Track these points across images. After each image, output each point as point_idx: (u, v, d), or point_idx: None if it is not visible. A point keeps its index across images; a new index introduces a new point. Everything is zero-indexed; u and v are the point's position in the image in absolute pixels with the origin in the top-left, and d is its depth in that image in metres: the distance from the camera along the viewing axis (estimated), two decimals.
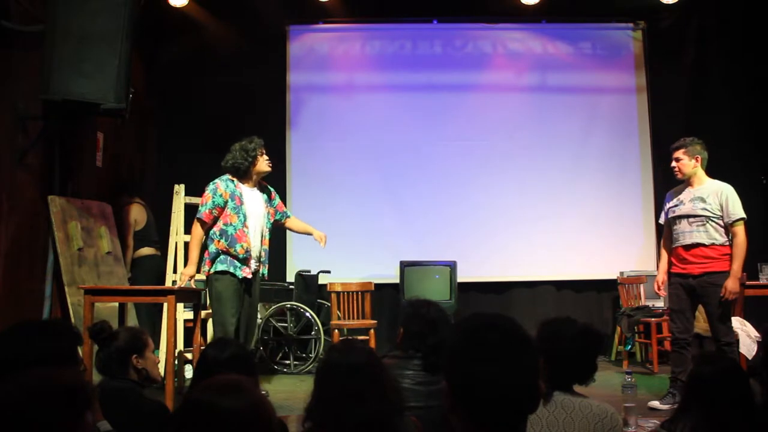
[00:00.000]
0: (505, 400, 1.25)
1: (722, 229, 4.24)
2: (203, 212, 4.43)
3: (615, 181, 6.92)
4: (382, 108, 6.93)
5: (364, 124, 6.92)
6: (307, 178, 6.86)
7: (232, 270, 4.39)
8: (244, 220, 4.46)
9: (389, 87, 7.00)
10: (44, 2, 4.35)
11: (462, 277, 6.34)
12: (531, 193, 6.83)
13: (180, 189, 5.55)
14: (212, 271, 4.41)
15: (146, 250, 5.81)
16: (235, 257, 4.40)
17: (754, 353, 4.55)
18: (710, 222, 4.24)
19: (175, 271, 5.40)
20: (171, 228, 5.52)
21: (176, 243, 5.45)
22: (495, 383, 1.24)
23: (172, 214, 5.53)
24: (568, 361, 2.05)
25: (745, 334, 4.80)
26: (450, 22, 7.08)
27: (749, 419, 2.05)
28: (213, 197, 4.43)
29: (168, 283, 5.35)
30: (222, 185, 4.46)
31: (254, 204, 4.55)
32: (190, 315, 5.22)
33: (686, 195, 4.37)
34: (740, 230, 4.20)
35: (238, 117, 6.75)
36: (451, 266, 6.26)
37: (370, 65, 7.07)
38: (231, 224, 4.43)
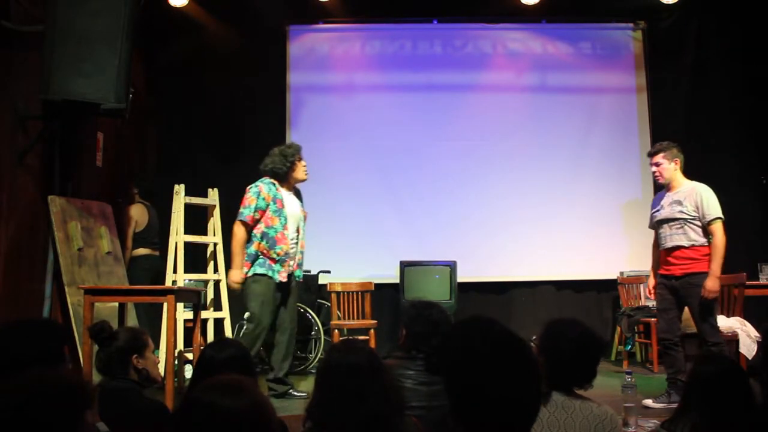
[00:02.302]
0: (501, 414, 1.26)
1: (701, 230, 4.26)
2: (247, 215, 4.45)
3: (615, 181, 6.92)
4: (382, 108, 6.93)
5: (364, 124, 6.91)
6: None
7: (270, 273, 4.42)
8: (285, 223, 4.49)
9: (389, 87, 6.99)
10: (44, 2, 4.35)
11: (462, 277, 6.33)
12: (531, 193, 6.82)
13: (180, 189, 5.54)
14: (251, 273, 4.42)
15: (142, 251, 5.82)
16: (274, 260, 4.43)
17: (754, 353, 4.56)
18: (688, 224, 4.27)
19: (174, 271, 5.39)
20: (171, 228, 5.51)
21: (176, 243, 5.44)
22: (491, 398, 1.26)
23: (173, 214, 5.52)
24: (566, 363, 2.05)
25: (745, 334, 4.80)
26: (450, 22, 7.08)
27: (749, 419, 2.05)
28: (257, 200, 4.46)
29: (168, 283, 5.34)
30: (265, 188, 4.50)
31: (292, 207, 4.60)
32: (190, 315, 5.22)
33: (666, 199, 4.43)
34: (718, 229, 4.20)
35: (238, 117, 6.77)
36: (451, 266, 6.25)
37: (370, 65, 7.07)
38: (272, 227, 4.46)
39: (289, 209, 4.55)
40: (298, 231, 4.63)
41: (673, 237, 4.31)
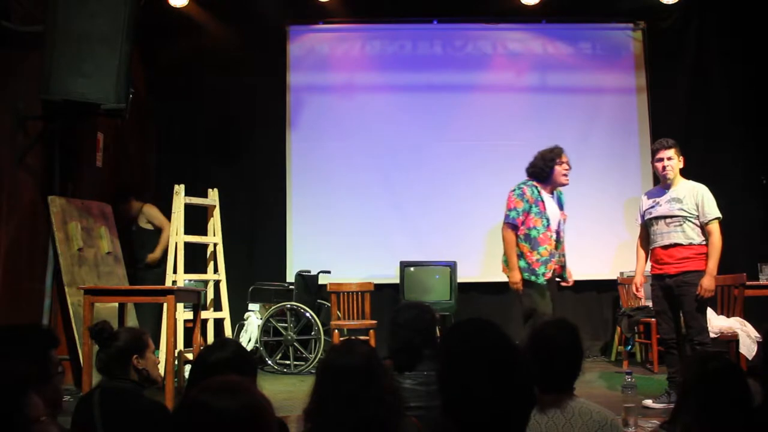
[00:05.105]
0: (492, 415, 1.26)
1: (699, 229, 4.29)
2: (515, 218, 4.53)
3: (615, 181, 6.91)
4: (383, 108, 6.93)
5: (364, 124, 6.91)
6: (307, 178, 6.85)
7: (533, 278, 4.50)
8: (547, 225, 4.56)
9: (389, 87, 6.99)
10: (44, 2, 4.36)
11: (462, 277, 6.33)
12: None
13: (180, 189, 5.54)
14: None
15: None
16: (537, 261, 4.50)
17: (754, 353, 4.56)
18: (687, 222, 4.29)
19: (174, 271, 5.40)
20: (171, 228, 5.52)
21: (176, 243, 5.44)
22: (482, 399, 1.26)
23: (173, 215, 5.52)
24: (544, 364, 2.01)
25: (745, 334, 4.80)
26: (450, 22, 7.08)
27: (748, 419, 2.04)
28: (523, 202, 4.53)
29: (168, 283, 5.34)
30: (528, 191, 4.57)
31: (553, 209, 4.65)
32: (190, 315, 5.22)
33: (663, 196, 4.43)
34: (715, 229, 4.24)
35: (238, 117, 6.78)
36: (451, 266, 6.25)
37: (370, 65, 7.07)
38: (535, 228, 4.53)
39: (550, 211, 4.60)
40: (558, 233, 4.67)
41: (671, 234, 4.32)
